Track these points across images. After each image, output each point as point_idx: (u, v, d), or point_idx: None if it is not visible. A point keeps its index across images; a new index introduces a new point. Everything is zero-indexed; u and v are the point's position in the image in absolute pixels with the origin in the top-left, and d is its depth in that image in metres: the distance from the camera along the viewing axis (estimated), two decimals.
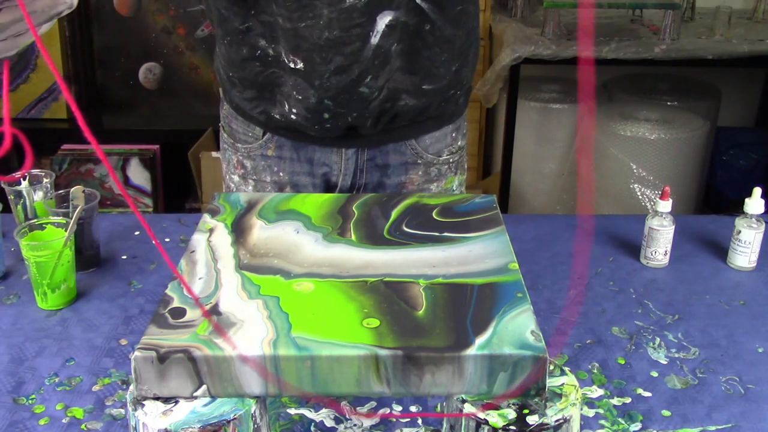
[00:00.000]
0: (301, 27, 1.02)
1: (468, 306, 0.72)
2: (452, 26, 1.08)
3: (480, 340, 0.67)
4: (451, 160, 1.25)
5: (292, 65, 1.06)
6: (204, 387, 0.67)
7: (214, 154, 2.39)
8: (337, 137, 1.15)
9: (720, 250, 1.20)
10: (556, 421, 0.65)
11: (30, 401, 0.87)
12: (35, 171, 1.20)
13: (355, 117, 1.10)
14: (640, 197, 2.59)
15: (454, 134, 1.24)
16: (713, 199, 2.87)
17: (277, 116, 1.13)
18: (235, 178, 1.26)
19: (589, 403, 0.87)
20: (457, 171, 1.27)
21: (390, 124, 1.14)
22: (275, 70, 1.09)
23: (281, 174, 1.21)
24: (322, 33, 1.01)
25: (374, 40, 1.03)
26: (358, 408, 0.85)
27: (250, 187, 1.23)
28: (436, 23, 1.06)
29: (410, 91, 1.10)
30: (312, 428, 0.83)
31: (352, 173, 1.20)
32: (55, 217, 1.07)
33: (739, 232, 1.14)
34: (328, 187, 1.23)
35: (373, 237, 0.85)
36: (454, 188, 1.28)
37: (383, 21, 1.02)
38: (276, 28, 1.05)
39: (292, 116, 1.11)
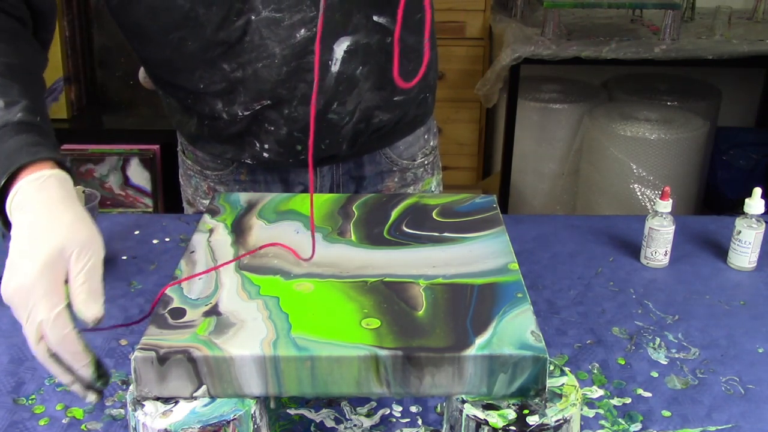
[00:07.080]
0: (259, 68, 1.01)
1: (468, 306, 0.72)
2: (415, 34, 1.05)
3: (480, 341, 0.67)
4: (426, 162, 1.25)
5: (257, 107, 1.04)
6: (204, 387, 0.67)
7: None
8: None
9: (720, 250, 1.20)
10: (556, 421, 0.65)
11: (30, 401, 0.87)
12: None
13: (328, 144, 1.08)
14: (640, 197, 2.59)
15: (426, 135, 1.24)
16: (713, 199, 2.87)
17: (248, 161, 1.12)
18: (207, 202, 1.24)
19: (589, 403, 0.87)
20: (433, 172, 1.27)
21: (366, 142, 1.13)
22: (234, 129, 1.08)
23: None
24: (281, 69, 1.00)
25: (335, 68, 1.01)
26: (358, 408, 0.85)
27: None
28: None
29: (382, 106, 1.09)
30: (312, 428, 0.83)
31: (328, 189, 1.20)
32: None
33: (739, 232, 1.14)
34: None
35: (373, 237, 0.85)
36: (433, 189, 1.28)
37: (341, 48, 1.00)
38: (235, 84, 1.02)
39: (264, 154, 1.10)
